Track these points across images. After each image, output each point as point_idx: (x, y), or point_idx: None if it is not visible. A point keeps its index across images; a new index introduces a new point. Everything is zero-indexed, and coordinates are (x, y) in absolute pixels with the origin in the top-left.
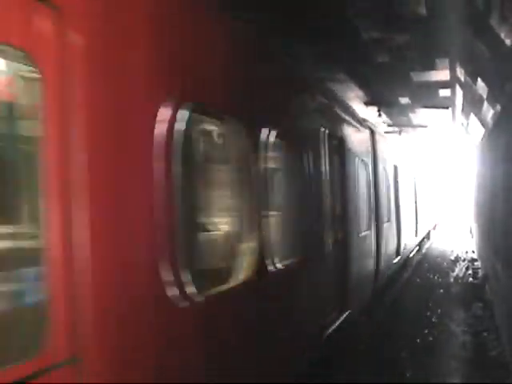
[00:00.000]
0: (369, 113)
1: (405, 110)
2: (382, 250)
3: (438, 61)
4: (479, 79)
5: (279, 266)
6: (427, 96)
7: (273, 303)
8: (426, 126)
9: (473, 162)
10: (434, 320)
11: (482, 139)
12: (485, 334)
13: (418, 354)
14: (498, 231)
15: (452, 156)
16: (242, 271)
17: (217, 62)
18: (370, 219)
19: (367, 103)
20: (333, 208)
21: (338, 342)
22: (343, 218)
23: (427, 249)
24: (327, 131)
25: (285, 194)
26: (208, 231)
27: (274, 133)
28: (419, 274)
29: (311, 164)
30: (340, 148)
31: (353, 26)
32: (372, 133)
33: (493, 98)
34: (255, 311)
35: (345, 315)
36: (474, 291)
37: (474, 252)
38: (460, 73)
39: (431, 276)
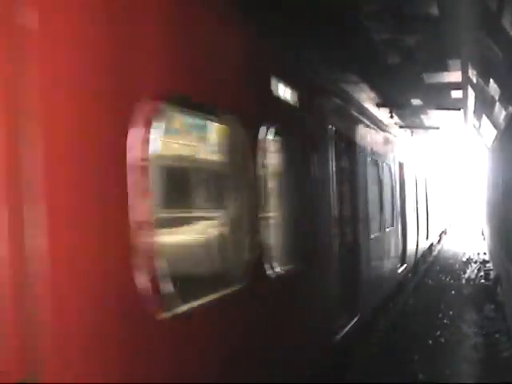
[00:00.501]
0: (381, 114)
1: (417, 111)
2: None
3: (449, 62)
4: (491, 80)
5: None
6: (439, 97)
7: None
8: (437, 128)
9: (485, 163)
10: (445, 321)
11: (494, 141)
12: (497, 335)
13: (429, 356)
14: (511, 233)
15: (464, 158)
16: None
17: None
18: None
19: (379, 105)
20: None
21: (349, 342)
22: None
23: (439, 251)
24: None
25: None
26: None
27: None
28: (431, 275)
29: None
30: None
31: (364, 27)
32: (394, 137)
33: (505, 100)
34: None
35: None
36: (485, 293)
37: (485, 254)
38: (472, 74)
39: (443, 278)
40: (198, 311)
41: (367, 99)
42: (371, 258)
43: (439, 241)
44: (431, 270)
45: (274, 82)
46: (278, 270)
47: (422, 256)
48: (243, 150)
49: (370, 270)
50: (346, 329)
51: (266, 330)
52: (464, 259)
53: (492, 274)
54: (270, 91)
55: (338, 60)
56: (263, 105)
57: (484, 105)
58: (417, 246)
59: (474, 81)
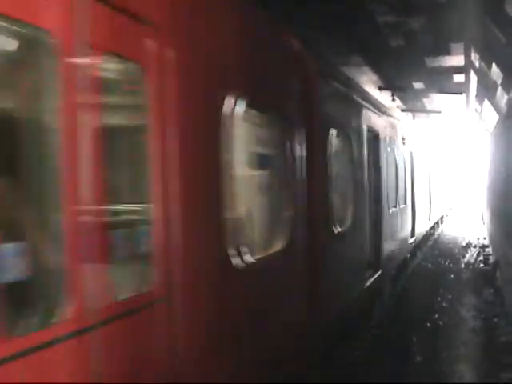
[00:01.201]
0: (383, 97)
1: (419, 95)
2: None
3: (452, 46)
4: (494, 65)
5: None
6: (441, 81)
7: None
8: (439, 112)
9: (486, 148)
10: (444, 305)
11: (495, 125)
12: (495, 319)
13: (428, 339)
14: (510, 218)
15: (465, 142)
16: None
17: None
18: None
19: (381, 88)
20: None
21: (350, 323)
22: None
23: (439, 235)
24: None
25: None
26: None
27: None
28: (430, 259)
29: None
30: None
31: (368, 10)
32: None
33: (507, 84)
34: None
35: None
36: (484, 277)
37: (485, 238)
38: (474, 58)
39: (442, 261)
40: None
41: (369, 82)
42: (389, 229)
43: (440, 223)
44: (431, 253)
45: None
46: (338, 229)
47: (426, 233)
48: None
49: (388, 237)
50: (372, 279)
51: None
52: (463, 243)
53: (491, 259)
54: None
55: (341, 43)
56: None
57: (486, 89)
58: (423, 223)
59: (477, 65)
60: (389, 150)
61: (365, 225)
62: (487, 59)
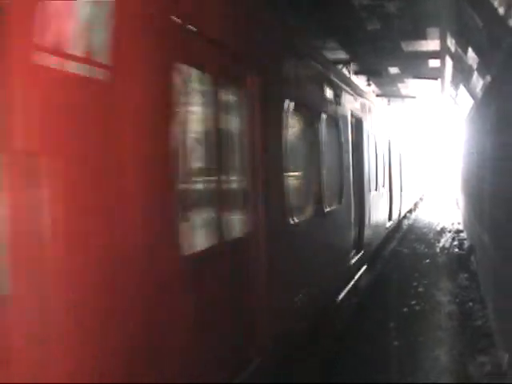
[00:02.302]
0: (358, 82)
1: (394, 79)
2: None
3: (428, 30)
4: (470, 49)
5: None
6: (417, 66)
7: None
8: (414, 97)
9: (460, 133)
10: (420, 290)
11: (470, 111)
12: (470, 303)
13: (405, 324)
14: (486, 203)
15: (441, 127)
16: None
17: None
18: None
19: (357, 72)
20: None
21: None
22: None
23: (414, 220)
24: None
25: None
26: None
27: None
28: (406, 244)
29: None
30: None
31: None
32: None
33: (483, 69)
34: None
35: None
36: (459, 262)
37: (459, 223)
38: (450, 43)
39: (418, 246)
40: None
41: (344, 66)
42: (370, 211)
43: (415, 208)
44: (406, 238)
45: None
46: (327, 208)
47: (402, 218)
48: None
49: (369, 219)
50: (356, 258)
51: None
52: (438, 228)
53: (466, 244)
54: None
55: (317, 26)
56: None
57: (462, 74)
58: (399, 208)
59: (453, 50)
60: (368, 134)
61: (350, 206)
62: (463, 44)
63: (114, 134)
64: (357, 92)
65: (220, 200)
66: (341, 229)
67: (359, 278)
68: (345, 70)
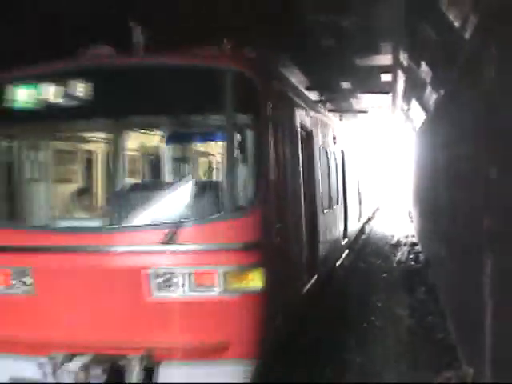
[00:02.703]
0: (311, 98)
1: (346, 94)
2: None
3: (381, 45)
4: (423, 63)
5: None
6: (369, 81)
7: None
8: (366, 112)
9: (412, 147)
10: (379, 304)
11: (422, 124)
12: (430, 317)
13: (364, 340)
14: (443, 216)
15: (393, 141)
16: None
17: None
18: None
19: (310, 88)
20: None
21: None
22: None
23: (368, 233)
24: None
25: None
26: None
27: None
28: (362, 258)
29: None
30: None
31: (299, 9)
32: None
33: (437, 83)
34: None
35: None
36: (416, 275)
37: (413, 236)
38: (403, 57)
39: (374, 260)
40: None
41: (298, 82)
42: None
43: (369, 222)
44: (362, 252)
45: None
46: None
47: (357, 233)
48: None
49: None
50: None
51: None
52: (393, 242)
53: (421, 257)
54: None
55: (269, 41)
56: None
57: (414, 88)
58: (354, 224)
59: (405, 64)
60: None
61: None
62: (416, 58)
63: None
64: (307, 104)
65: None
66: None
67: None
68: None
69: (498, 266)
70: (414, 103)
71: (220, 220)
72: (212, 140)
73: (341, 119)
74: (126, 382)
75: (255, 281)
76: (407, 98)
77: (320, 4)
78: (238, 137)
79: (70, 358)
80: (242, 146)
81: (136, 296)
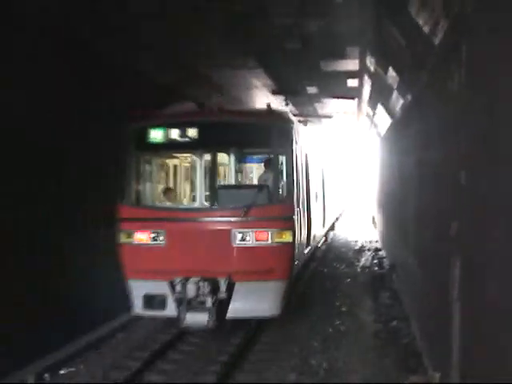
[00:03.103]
0: (276, 102)
1: (312, 99)
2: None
3: (348, 49)
4: (390, 68)
5: None
6: (335, 86)
7: None
8: (331, 117)
9: (377, 152)
10: (343, 309)
11: (388, 129)
12: (395, 322)
13: (330, 345)
14: (410, 221)
15: (357, 146)
16: None
17: None
18: None
19: (275, 92)
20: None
21: None
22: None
23: (332, 239)
24: None
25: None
26: None
27: None
28: (326, 263)
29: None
30: None
31: (265, 11)
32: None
33: (403, 88)
34: None
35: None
36: (381, 280)
37: (377, 242)
38: (370, 62)
39: (338, 265)
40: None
41: (263, 86)
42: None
43: (333, 228)
44: (326, 257)
45: None
46: None
47: (321, 241)
48: None
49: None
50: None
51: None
52: (357, 247)
53: (385, 262)
54: None
55: (235, 44)
56: None
57: (380, 94)
58: (318, 231)
59: (372, 69)
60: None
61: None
62: (384, 63)
63: None
64: (306, 137)
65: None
66: None
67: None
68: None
69: (466, 269)
70: (380, 109)
71: (269, 205)
72: (267, 161)
73: (305, 124)
74: (219, 292)
75: (287, 237)
76: (373, 103)
77: (287, 7)
78: (280, 160)
79: (186, 279)
80: (282, 165)
81: (225, 244)
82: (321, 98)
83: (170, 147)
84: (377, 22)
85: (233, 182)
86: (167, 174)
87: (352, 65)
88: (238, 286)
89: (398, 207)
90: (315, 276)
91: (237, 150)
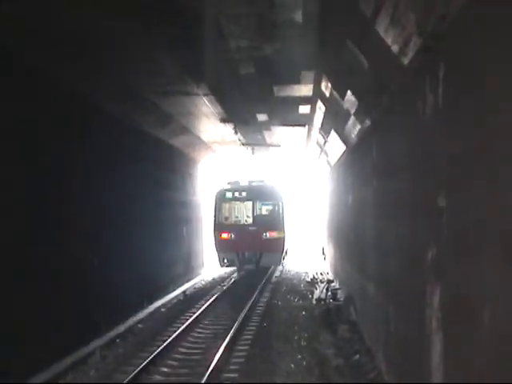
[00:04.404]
0: (225, 131)
1: (260, 127)
2: None
3: (303, 74)
4: (349, 92)
5: None
6: (286, 112)
7: None
8: (279, 146)
9: (327, 180)
10: (302, 344)
11: (341, 157)
12: (357, 356)
13: (293, 380)
14: (372, 251)
15: (304, 176)
16: None
17: None
18: None
19: (224, 120)
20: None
21: None
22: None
23: (281, 271)
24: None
25: None
26: None
27: None
28: (279, 296)
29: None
30: None
31: (222, 32)
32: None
33: (362, 112)
34: None
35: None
36: (337, 313)
37: (328, 273)
38: (325, 87)
39: (292, 298)
40: None
41: (212, 114)
42: None
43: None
44: (278, 290)
45: None
46: None
47: (287, 250)
48: None
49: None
50: (286, 249)
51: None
52: (308, 279)
53: (339, 294)
54: None
55: (185, 69)
56: None
57: (335, 119)
58: (287, 242)
59: (327, 94)
60: None
61: (286, 235)
62: (341, 87)
63: None
64: (287, 192)
65: None
66: None
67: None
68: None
69: (447, 298)
70: (333, 136)
71: (276, 229)
72: (272, 205)
73: (253, 153)
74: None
75: (282, 234)
76: (325, 130)
77: (243, 29)
78: (278, 205)
79: (243, 253)
80: (280, 208)
81: (260, 238)
82: (270, 126)
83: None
84: (338, 44)
85: (258, 213)
86: (231, 210)
87: (305, 90)
88: (264, 255)
89: (354, 236)
90: (271, 309)
91: (259, 200)
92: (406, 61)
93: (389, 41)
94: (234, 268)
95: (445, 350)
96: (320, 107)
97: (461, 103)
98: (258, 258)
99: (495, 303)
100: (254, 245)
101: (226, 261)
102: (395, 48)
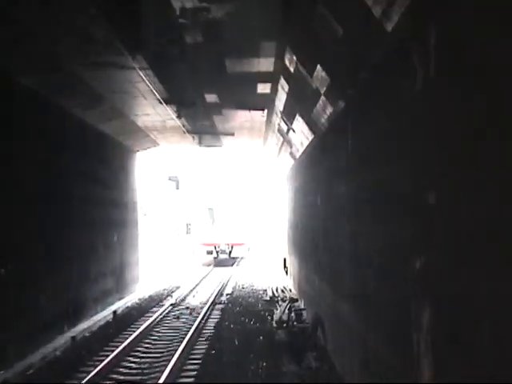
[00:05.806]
0: (166, 114)
1: (209, 110)
2: None
3: (263, 44)
4: (319, 67)
5: None
6: (241, 92)
7: None
8: (232, 134)
9: (290, 178)
10: (262, 375)
11: (308, 147)
12: None
13: None
14: (342, 261)
15: (263, 172)
16: None
17: None
18: None
19: (166, 101)
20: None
21: None
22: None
23: (234, 288)
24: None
25: None
26: None
27: None
28: (232, 318)
29: None
30: None
31: None
32: None
33: (335, 92)
34: None
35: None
36: (303, 337)
37: (291, 291)
38: (290, 61)
39: (247, 320)
40: None
41: (150, 92)
42: None
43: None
44: (231, 310)
45: None
46: None
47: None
48: None
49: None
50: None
51: None
52: (267, 297)
53: (305, 315)
54: None
55: (123, 36)
56: None
57: (300, 101)
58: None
59: (292, 69)
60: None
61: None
62: (310, 61)
63: None
64: None
65: None
66: None
67: None
68: None
69: (438, 317)
70: (299, 121)
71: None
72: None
73: (200, 143)
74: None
75: (246, 245)
76: (289, 114)
77: None
78: None
79: (220, 245)
80: None
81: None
82: (222, 110)
83: None
84: (307, 7)
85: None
86: None
87: (265, 65)
88: (234, 247)
89: (323, 244)
90: (222, 334)
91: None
92: (389, 26)
93: (369, 2)
94: (176, 284)
95: (434, 379)
96: (283, 86)
97: (456, 78)
98: (230, 249)
99: (495, 323)
100: (228, 239)
101: (206, 252)
102: (377, 11)
